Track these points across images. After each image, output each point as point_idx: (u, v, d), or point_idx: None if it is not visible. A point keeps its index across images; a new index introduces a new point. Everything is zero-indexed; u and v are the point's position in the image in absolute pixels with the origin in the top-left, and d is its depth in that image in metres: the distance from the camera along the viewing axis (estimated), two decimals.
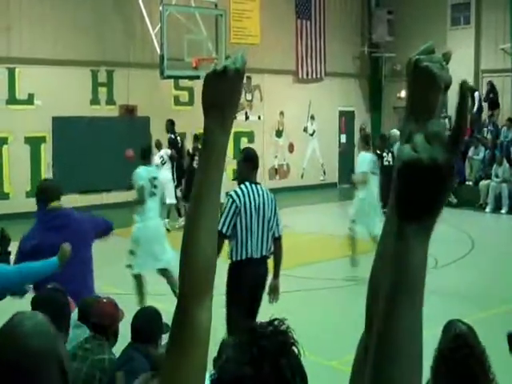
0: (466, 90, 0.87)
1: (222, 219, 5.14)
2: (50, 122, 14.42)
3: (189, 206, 1.32)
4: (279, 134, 18.86)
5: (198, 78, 13.29)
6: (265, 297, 5.59)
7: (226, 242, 5.29)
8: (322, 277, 9.11)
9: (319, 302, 8.18)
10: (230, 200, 5.23)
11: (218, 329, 5.05)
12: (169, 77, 14.40)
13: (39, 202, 4.69)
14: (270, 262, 5.58)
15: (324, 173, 19.71)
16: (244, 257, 5.28)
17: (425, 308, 0.88)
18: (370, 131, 19.91)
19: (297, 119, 18.92)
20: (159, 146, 13.29)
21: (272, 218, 5.39)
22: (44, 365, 1.40)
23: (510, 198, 14.88)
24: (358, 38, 20.60)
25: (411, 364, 0.87)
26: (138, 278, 7.09)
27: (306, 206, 15.55)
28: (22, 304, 4.30)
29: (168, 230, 12.40)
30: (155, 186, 7.31)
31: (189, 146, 13.72)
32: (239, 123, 16.06)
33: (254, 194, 5.31)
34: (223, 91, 1.25)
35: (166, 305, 6.51)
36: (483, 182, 15.37)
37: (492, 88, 17.42)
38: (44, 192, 4.70)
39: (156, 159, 12.93)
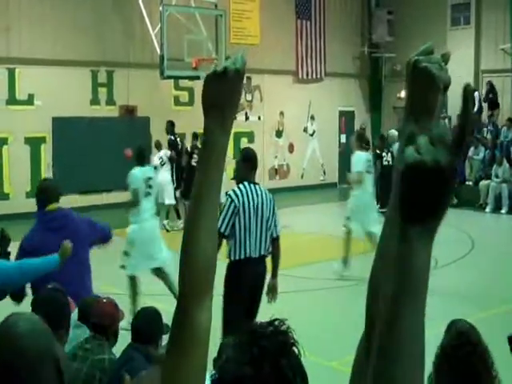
0: (469, 94, 0.88)
1: (221, 219, 5.16)
2: (49, 123, 14.42)
3: (189, 207, 1.32)
4: (279, 134, 18.86)
5: (198, 78, 13.29)
6: (264, 297, 5.60)
7: (224, 241, 5.30)
8: (321, 277, 9.11)
9: (319, 303, 8.18)
10: (229, 200, 5.25)
11: (217, 329, 5.05)
12: (169, 77, 14.41)
13: (39, 202, 4.69)
14: (269, 262, 5.59)
15: (324, 173, 19.71)
16: (243, 256, 5.30)
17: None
18: (369, 131, 19.95)
19: (297, 119, 18.92)
20: (159, 147, 13.29)
21: (270, 218, 5.41)
22: (39, 365, 1.41)
23: (510, 198, 14.88)
24: (357, 38, 20.61)
25: (413, 364, 0.88)
26: (133, 279, 7.09)
27: (305, 206, 15.55)
28: (22, 304, 4.31)
29: (168, 230, 12.43)
30: (150, 186, 7.32)
31: (188, 145, 13.72)
32: (239, 123, 16.06)
33: (252, 194, 5.32)
34: (223, 92, 1.25)
35: (166, 305, 6.51)
36: (483, 182, 15.37)
37: (491, 88, 17.42)
38: (44, 192, 4.71)
39: (155, 160, 12.95)
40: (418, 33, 17.14)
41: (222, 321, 5.14)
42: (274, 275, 5.59)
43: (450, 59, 1.08)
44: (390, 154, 13.62)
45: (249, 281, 5.29)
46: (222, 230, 5.15)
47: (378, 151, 14.27)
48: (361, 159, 9.16)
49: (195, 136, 13.27)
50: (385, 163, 13.58)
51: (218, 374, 1.10)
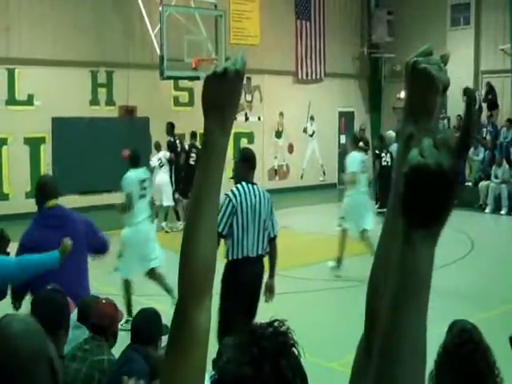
0: (472, 98, 0.88)
1: (219, 218, 5.16)
2: (49, 123, 14.42)
3: (188, 208, 1.32)
4: (279, 134, 18.87)
5: (197, 78, 13.29)
6: (262, 297, 5.61)
7: (222, 241, 5.30)
8: (321, 278, 9.11)
9: (318, 303, 8.18)
10: (227, 199, 5.26)
11: (214, 329, 5.04)
12: (168, 77, 14.41)
13: (38, 198, 4.70)
14: (266, 262, 5.60)
15: (324, 173, 19.72)
16: (240, 256, 5.32)
17: None
18: (368, 132, 19.96)
19: (296, 120, 18.92)
20: (158, 148, 13.29)
21: (268, 217, 5.43)
22: (32, 365, 1.42)
23: (510, 199, 14.88)
24: (357, 38, 20.61)
25: (415, 364, 0.88)
26: (127, 282, 7.10)
27: (305, 206, 15.55)
28: (22, 304, 4.31)
29: (167, 232, 12.44)
30: (144, 188, 7.34)
31: (186, 144, 13.73)
32: (239, 124, 16.07)
33: (250, 194, 5.34)
34: (223, 92, 1.25)
35: (165, 306, 6.52)
36: (483, 183, 15.38)
37: (490, 89, 17.42)
38: (43, 188, 4.71)
39: (154, 161, 12.96)
40: (418, 33, 17.15)
41: (218, 320, 5.13)
42: (272, 275, 5.63)
43: (449, 60, 1.08)
44: (388, 154, 13.63)
45: (247, 280, 5.30)
46: (220, 229, 5.17)
47: (377, 151, 14.29)
48: (355, 160, 9.29)
49: (193, 135, 13.29)
50: (384, 163, 13.59)
51: (217, 374, 1.10)
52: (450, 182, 0.85)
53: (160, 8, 13.97)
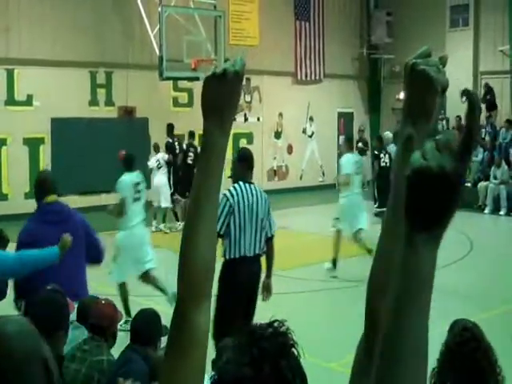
0: (474, 100, 0.88)
1: None
2: (48, 123, 14.42)
3: (188, 208, 1.32)
4: (278, 135, 18.87)
5: (197, 79, 13.30)
6: (260, 297, 5.62)
7: (219, 240, 5.30)
8: (320, 278, 9.11)
9: (318, 304, 8.18)
10: (224, 199, 5.26)
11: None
12: (168, 78, 14.41)
13: (37, 193, 4.70)
14: (264, 261, 5.61)
15: (323, 174, 19.72)
16: (238, 255, 5.33)
17: None
18: (367, 132, 19.97)
19: (296, 120, 18.93)
20: (157, 149, 13.29)
21: (265, 217, 5.44)
22: (26, 366, 1.42)
23: (509, 200, 14.89)
24: (356, 39, 20.62)
25: (417, 365, 0.88)
26: (122, 285, 7.11)
27: (304, 207, 15.55)
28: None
29: (166, 233, 12.45)
30: (139, 192, 7.34)
31: (184, 144, 13.74)
32: (238, 124, 16.06)
33: (247, 194, 5.35)
34: (223, 94, 1.25)
35: (164, 307, 6.51)
36: (482, 184, 15.38)
37: (489, 89, 17.44)
38: (42, 183, 4.71)
39: (152, 162, 12.96)
40: (417, 34, 17.16)
41: (214, 319, 5.12)
42: (269, 275, 5.65)
43: (447, 62, 1.09)
44: (387, 155, 13.63)
45: (244, 280, 5.31)
46: (217, 229, 5.15)
47: (375, 152, 14.29)
48: (349, 161, 9.39)
49: (191, 134, 13.32)
50: (382, 164, 13.59)
51: (217, 375, 1.11)
52: (453, 184, 0.85)
53: (159, 8, 13.97)
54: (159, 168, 12.89)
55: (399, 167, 1.15)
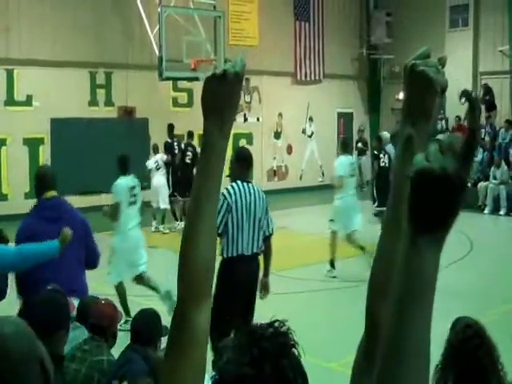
0: (474, 101, 0.88)
1: None
2: (48, 124, 14.42)
3: (188, 208, 1.32)
4: (278, 135, 18.87)
5: (196, 79, 13.29)
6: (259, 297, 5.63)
7: (218, 239, 5.29)
8: (320, 278, 9.12)
9: (318, 304, 8.18)
10: (222, 198, 5.27)
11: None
12: (167, 78, 14.41)
13: (36, 189, 4.70)
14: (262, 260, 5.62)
15: (322, 174, 19.71)
16: (235, 254, 5.34)
17: None
18: (367, 133, 19.97)
19: (295, 121, 18.93)
20: (156, 150, 13.30)
21: (263, 216, 5.45)
22: (23, 366, 1.43)
23: (508, 200, 14.90)
24: (356, 39, 20.62)
25: (419, 366, 0.89)
26: (119, 286, 7.12)
27: (304, 207, 15.55)
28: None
29: (164, 233, 12.46)
30: (134, 195, 7.34)
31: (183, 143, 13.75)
32: (238, 125, 16.06)
33: (245, 192, 5.36)
34: (223, 94, 1.26)
35: (164, 307, 6.52)
36: (482, 184, 15.39)
37: (488, 90, 17.44)
38: (42, 179, 4.70)
39: (151, 163, 12.97)
40: (417, 34, 17.16)
41: (212, 318, 5.12)
42: (266, 273, 5.65)
43: (446, 62, 1.09)
44: (386, 155, 13.64)
45: (242, 278, 5.32)
46: None
47: (375, 152, 14.29)
48: (342, 163, 9.43)
49: (190, 134, 13.34)
50: (382, 164, 13.59)
51: (218, 375, 1.11)
52: (455, 186, 0.86)
53: (159, 9, 13.97)
54: (158, 169, 12.90)
55: (399, 167, 1.16)
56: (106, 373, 3.55)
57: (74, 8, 14.58)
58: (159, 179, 12.81)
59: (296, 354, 1.10)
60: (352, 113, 20.59)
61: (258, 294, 5.61)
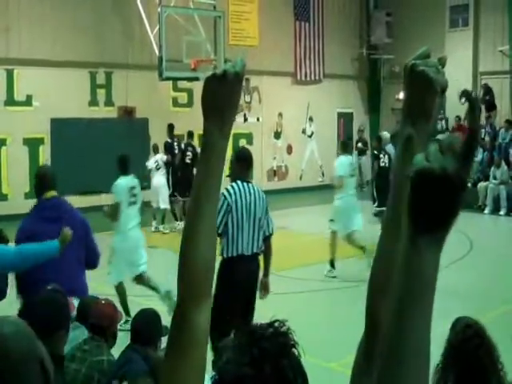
0: (474, 101, 0.88)
1: None
2: (48, 124, 14.42)
3: (188, 209, 1.32)
4: (278, 135, 18.87)
5: (196, 79, 13.30)
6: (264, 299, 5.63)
7: (218, 239, 5.30)
8: (320, 278, 9.12)
9: (318, 304, 8.18)
10: (222, 198, 5.27)
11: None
12: (167, 78, 14.41)
13: (36, 188, 4.70)
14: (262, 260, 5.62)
15: (322, 174, 19.72)
16: (235, 253, 5.35)
17: None
18: (367, 133, 19.97)
19: (295, 121, 18.93)
20: (156, 150, 13.30)
21: (263, 216, 5.45)
22: (23, 366, 1.43)
23: (508, 200, 14.90)
24: (356, 39, 20.62)
25: (419, 366, 0.89)
26: (119, 286, 7.12)
27: (304, 207, 15.55)
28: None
29: (164, 233, 12.46)
30: (134, 195, 7.35)
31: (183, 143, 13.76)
32: (238, 125, 16.06)
33: (245, 192, 5.36)
34: (223, 94, 1.26)
35: (164, 307, 6.52)
36: (482, 184, 15.39)
37: (488, 90, 17.44)
38: (42, 178, 4.70)
39: (151, 163, 12.97)
40: (417, 34, 17.16)
41: (212, 318, 5.12)
42: (266, 273, 5.66)
43: (446, 62, 1.09)
44: (386, 155, 13.65)
45: (242, 278, 5.32)
46: None
47: (375, 152, 14.30)
48: (342, 164, 9.44)
49: (190, 134, 13.35)
50: (382, 164, 13.60)
51: (218, 375, 1.11)
52: (455, 186, 0.86)
53: (159, 9, 13.97)
54: (158, 169, 12.90)
55: (399, 167, 1.16)
56: (106, 373, 3.55)
57: (74, 8, 14.58)
58: (159, 179, 12.81)
59: (296, 354, 1.10)
60: (352, 113, 20.60)
61: (257, 293, 5.62)
